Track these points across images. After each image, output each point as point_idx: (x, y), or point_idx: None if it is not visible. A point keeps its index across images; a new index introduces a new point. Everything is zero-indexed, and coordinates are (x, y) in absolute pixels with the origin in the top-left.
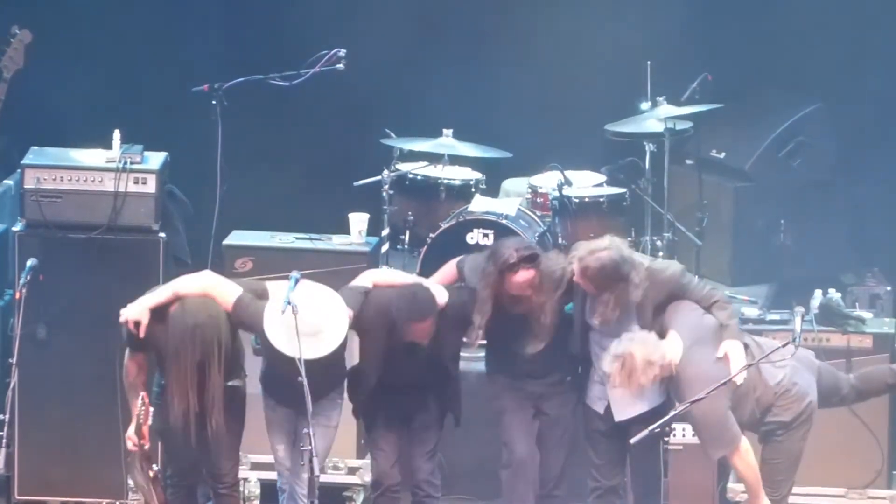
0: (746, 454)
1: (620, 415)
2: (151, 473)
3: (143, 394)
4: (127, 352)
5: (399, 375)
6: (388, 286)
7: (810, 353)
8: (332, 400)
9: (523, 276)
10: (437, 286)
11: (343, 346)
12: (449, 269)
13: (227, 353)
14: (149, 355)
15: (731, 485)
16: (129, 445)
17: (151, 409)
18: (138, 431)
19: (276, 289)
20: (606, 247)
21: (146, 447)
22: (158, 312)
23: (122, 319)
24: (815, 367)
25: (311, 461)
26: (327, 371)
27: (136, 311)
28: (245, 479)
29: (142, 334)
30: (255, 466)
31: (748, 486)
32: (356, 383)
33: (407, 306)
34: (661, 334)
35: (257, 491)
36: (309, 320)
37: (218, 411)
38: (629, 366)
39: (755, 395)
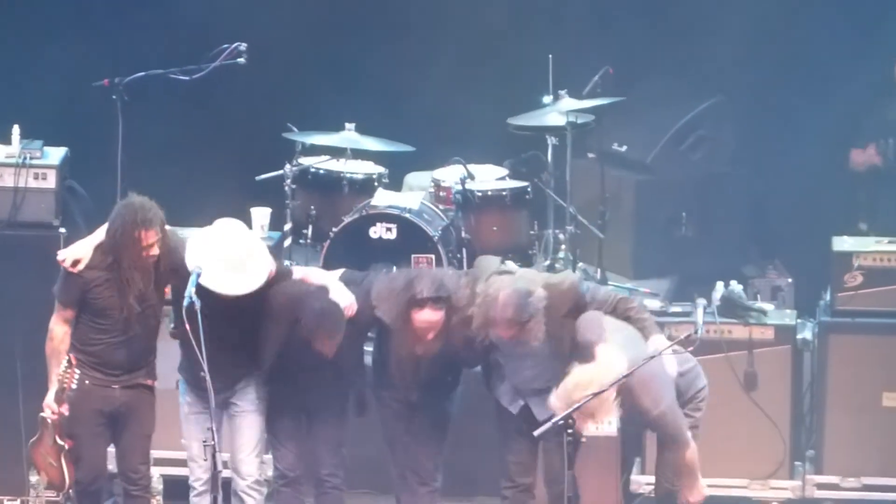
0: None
1: (542, 414)
2: (67, 446)
3: (70, 355)
4: (56, 312)
5: (298, 361)
6: (303, 279)
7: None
8: (252, 383)
9: (429, 314)
10: (345, 292)
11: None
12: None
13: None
14: (77, 314)
15: (634, 476)
16: (48, 414)
17: (77, 372)
18: (59, 398)
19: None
20: (507, 290)
21: (66, 415)
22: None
23: (60, 259)
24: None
25: (213, 456)
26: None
27: (78, 251)
28: None
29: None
30: (158, 462)
31: (689, 477)
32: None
33: (315, 323)
34: (583, 350)
35: (160, 487)
36: (233, 252)
37: None
38: (587, 409)
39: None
